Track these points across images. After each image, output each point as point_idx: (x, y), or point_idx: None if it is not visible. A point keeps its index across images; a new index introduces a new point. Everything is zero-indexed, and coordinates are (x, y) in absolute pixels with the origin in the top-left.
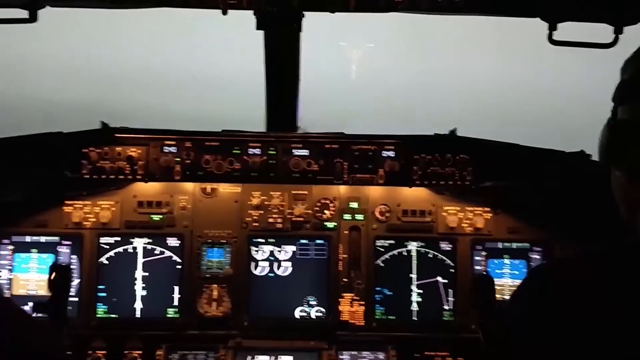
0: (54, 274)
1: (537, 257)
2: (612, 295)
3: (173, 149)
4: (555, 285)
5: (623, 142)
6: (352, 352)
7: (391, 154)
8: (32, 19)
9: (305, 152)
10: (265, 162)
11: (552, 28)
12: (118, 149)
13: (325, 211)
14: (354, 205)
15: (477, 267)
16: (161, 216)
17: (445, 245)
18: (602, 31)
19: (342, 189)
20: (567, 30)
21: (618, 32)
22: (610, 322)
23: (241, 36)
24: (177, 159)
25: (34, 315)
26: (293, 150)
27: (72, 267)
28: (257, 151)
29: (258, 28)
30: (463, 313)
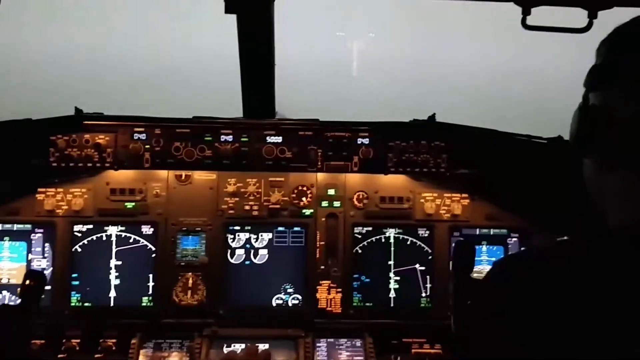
0: (27, 281)
1: (515, 243)
2: (574, 288)
3: (142, 136)
4: (517, 278)
5: (593, 129)
6: (329, 340)
7: (366, 141)
8: None
9: (278, 139)
10: (237, 150)
11: (526, 12)
12: (86, 136)
13: (303, 198)
14: (332, 192)
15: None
16: (134, 203)
17: (423, 232)
18: (577, 15)
19: (320, 176)
20: (542, 14)
21: (592, 16)
22: (571, 315)
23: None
24: (147, 146)
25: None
26: (266, 138)
27: (45, 257)
28: (229, 138)
29: (227, 11)
30: (440, 300)
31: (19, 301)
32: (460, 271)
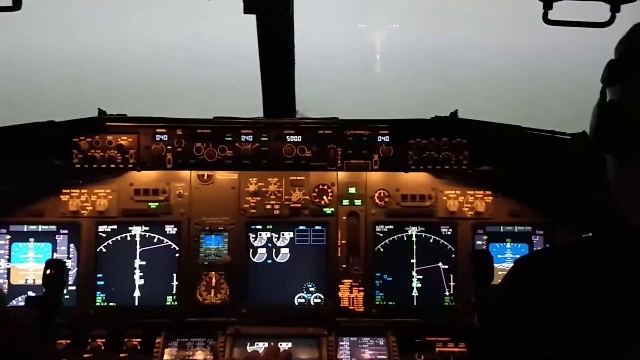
0: (49, 270)
1: (540, 240)
2: (593, 286)
3: (164, 137)
4: (536, 276)
5: (607, 125)
6: (352, 338)
7: (386, 139)
8: (16, 6)
9: (298, 139)
10: (257, 149)
11: (548, 7)
12: (109, 137)
13: (323, 197)
14: (352, 190)
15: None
16: (158, 204)
17: (446, 230)
18: (599, 9)
19: (340, 175)
20: (563, 8)
21: (615, 10)
22: (591, 311)
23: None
24: (169, 147)
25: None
26: (286, 137)
27: (70, 258)
28: (249, 138)
29: (245, 12)
30: (464, 298)
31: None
32: (480, 282)
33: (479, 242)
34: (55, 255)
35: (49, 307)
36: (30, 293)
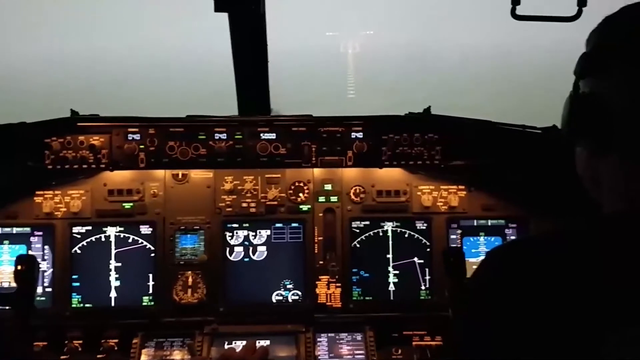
0: (19, 266)
1: (513, 233)
2: (567, 275)
3: (136, 136)
4: (509, 267)
5: (583, 116)
6: (330, 334)
7: (359, 135)
8: None
9: (272, 136)
10: (231, 147)
11: (516, 2)
12: (81, 137)
13: (300, 194)
14: (328, 187)
15: (453, 246)
16: (132, 204)
17: (421, 225)
18: (567, 3)
19: (316, 171)
20: (531, 3)
21: (581, 4)
22: (565, 304)
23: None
24: (141, 146)
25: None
26: (260, 134)
27: (45, 259)
28: (223, 136)
29: (216, 10)
30: (440, 292)
31: None
32: (454, 278)
33: (453, 237)
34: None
35: (22, 303)
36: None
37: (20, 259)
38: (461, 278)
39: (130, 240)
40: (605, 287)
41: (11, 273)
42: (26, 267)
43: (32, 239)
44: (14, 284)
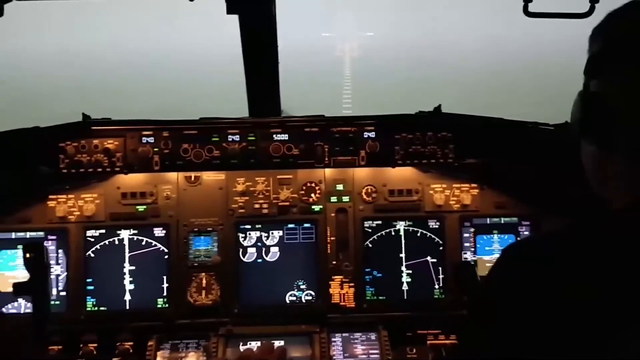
0: (27, 254)
1: (526, 231)
2: (581, 272)
3: (151, 139)
4: (525, 262)
5: (592, 115)
6: (344, 334)
7: (372, 134)
8: None
9: (285, 137)
10: (244, 149)
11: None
12: (95, 141)
13: (312, 194)
14: (340, 187)
15: (466, 244)
16: (146, 207)
17: (433, 224)
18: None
19: (328, 172)
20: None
21: (594, 0)
22: (579, 298)
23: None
24: (156, 149)
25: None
26: (273, 135)
27: (59, 263)
28: (236, 138)
29: (228, 12)
30: (453, 291)
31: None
32: (469, 293)
33: (466, 235)
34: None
35: (37, 291)
36: (21, 301)
37: (27, 247)
38: (475, 291)
39: (143, 243)
40: (615, 284)
41: (25, 278)
42: (35, 254)
43: (46, 243)
44: None
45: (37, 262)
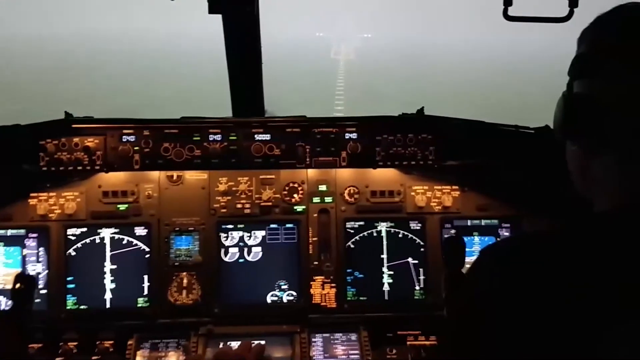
0: (18, 284)
1: (506, 233)
2: (560, 273)
3: (131, 138)
4: (500, 266)
5: (578, 116)
6: (325, 335)
7: (353, 135)
8: None
9: (266, 137)
10: (226, 148)
11: (508, 3)
12: (75, 139)
13: (294, 195)
14: (323, 188)
15: (452, 236)
16: (127, 205)
17: (415, 225)
18: (558, 4)
19: (310, 172)
20: (523, 4)
21: (573, 5)
22: (557, 302)
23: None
24: (136, 148)
25: None
26: (255, 135)
27: (39, 261)
28: (218, 137)
29: (210, 12)
30: (434, 292)
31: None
32: (452, 266)
33: (446, 237)
34: (24, 253)
35: (16, 319)
36: (1, 298)
37: (19, 277)
38: (459, 267)
39: (125, 242)
40: (597, 284)
41: (6, 275)
42: (25, 287)
43: (26, 241)
44: (8, 286)
45: (24, 295)
